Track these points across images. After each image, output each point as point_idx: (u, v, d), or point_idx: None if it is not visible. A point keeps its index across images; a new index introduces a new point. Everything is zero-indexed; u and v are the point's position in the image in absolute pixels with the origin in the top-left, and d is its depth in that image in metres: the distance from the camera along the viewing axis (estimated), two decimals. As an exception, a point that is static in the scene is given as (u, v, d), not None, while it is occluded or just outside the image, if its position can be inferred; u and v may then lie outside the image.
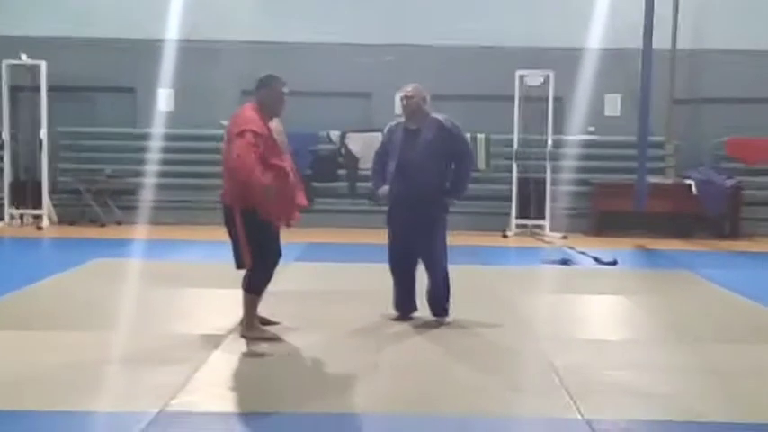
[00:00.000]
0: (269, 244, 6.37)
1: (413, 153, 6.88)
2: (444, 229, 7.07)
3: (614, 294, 8.83)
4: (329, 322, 6.92)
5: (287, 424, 4.67)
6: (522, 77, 14.23)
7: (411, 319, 7.11)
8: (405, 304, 7.16)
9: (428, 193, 6.86)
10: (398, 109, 14.50)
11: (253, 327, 6.45)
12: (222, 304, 7.53)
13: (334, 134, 14.76)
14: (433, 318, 7.06)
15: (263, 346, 6.17)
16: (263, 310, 6.60)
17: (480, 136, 14.48)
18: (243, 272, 6.45)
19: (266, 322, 6.65)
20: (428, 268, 7.02)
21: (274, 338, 6.41)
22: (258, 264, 6.33)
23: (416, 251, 7.00)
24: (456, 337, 6.60)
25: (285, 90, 6.48)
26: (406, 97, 7.03)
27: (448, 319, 7.06)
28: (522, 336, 6.78)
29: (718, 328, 7.22)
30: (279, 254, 6.46)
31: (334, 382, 5.42)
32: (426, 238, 6.92)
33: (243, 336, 6.41)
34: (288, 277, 6.47)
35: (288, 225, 6.50)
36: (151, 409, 4.69)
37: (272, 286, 6.53)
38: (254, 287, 6.43)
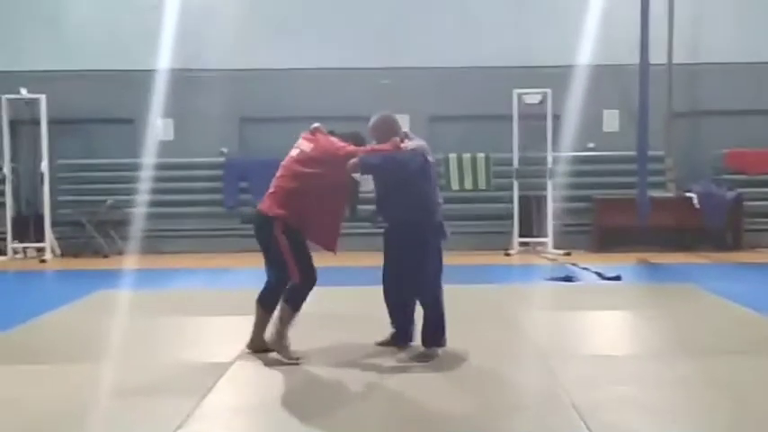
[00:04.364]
0: (310, 259, 6.48)
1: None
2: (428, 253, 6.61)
3: (619, 309, 8.82)
4: (332, 347, 6.88)
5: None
6: (520, 96, 14.27)
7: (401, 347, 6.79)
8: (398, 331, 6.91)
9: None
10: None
11: (283, 341, 6.44)
12: (227, 331, 7.53)
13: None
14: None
15: (272, 371, 6.18)
16: (269, 333, 6.62)
17: (480, 155, 14.51)
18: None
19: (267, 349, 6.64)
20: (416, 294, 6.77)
21: (295, 363, 6.38)
22: (305, 278, 6.40)
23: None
24: (460, 356, 6.57)
25: None
26: None
27: (439, 351, 6.59)
28: (528, 352, 6.77)
29: (723, 341, 7.19)
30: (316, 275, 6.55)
31: (339, 406, 5.40)
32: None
33: (269, 344, 6.44)
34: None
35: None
36: (158, 438, 4.68)
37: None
38: (299, 302, 6.46)
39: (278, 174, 6.60)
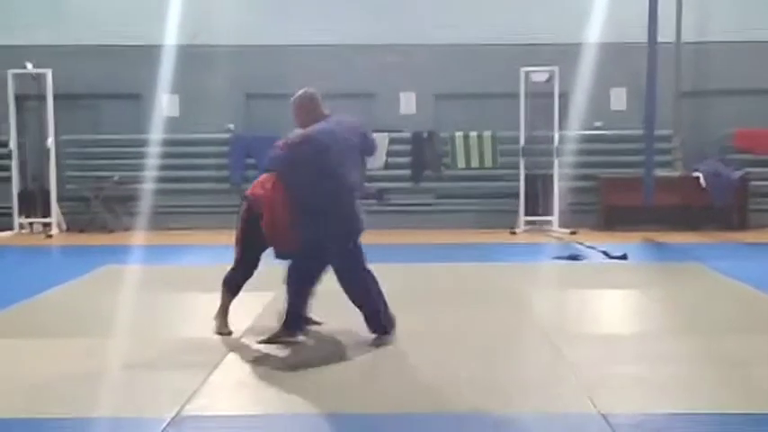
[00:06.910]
0: (258, 251, 6.54)
1: None
2: None
3: (625, 288, 8.82)
4: (336, 323, 6.88)
5: (302, 425, 4.67)
6: (527, 74, 14.21)
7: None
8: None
9: None
10: (403, 109, 14.56)
11: (219, 314, 6.67)
12: (233, 308, 7.51)
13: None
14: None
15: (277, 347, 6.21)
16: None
17: (487, 134, 14.49)
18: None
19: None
20: None
21: (227, 333, 6.57)
22: (241, 263, 6.60)
23: None
24: (468, 334, 6.60)
25: None
26: None
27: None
28: (535, 331, 6.77)
29: (729, 319, 7.20)
30: (257, 264, 6.63)
31: (347, 381, 5.42)
32: None
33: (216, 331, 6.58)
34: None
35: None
36: (166, 413, 4.69)
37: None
38: (231, 285, 6.68)
39: None
